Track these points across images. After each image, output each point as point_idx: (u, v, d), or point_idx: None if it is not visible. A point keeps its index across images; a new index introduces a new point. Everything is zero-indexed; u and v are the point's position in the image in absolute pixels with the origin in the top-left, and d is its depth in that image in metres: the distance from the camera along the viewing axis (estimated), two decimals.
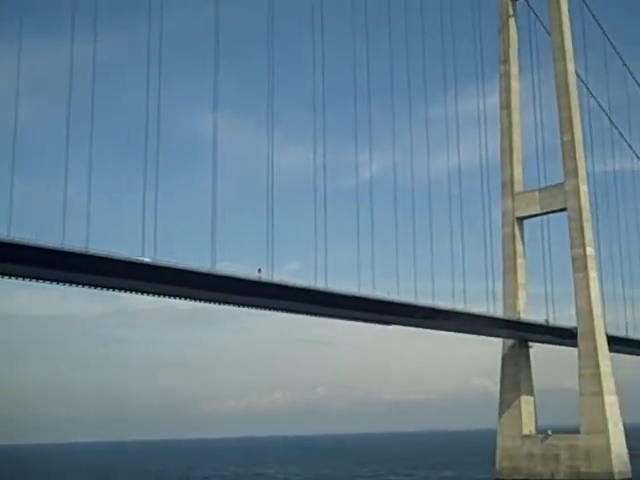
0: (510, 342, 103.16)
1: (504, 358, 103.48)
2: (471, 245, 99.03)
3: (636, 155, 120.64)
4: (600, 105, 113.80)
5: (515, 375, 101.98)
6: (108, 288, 66.32)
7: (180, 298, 72.24)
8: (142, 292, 68.70)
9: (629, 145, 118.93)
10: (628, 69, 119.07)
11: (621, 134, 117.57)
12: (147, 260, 63.35)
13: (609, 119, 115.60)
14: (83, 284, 64.86)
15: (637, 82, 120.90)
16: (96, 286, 65.46)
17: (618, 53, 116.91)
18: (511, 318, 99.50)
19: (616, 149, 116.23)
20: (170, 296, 71.70)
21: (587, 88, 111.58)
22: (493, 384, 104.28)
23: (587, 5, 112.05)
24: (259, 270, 71.97)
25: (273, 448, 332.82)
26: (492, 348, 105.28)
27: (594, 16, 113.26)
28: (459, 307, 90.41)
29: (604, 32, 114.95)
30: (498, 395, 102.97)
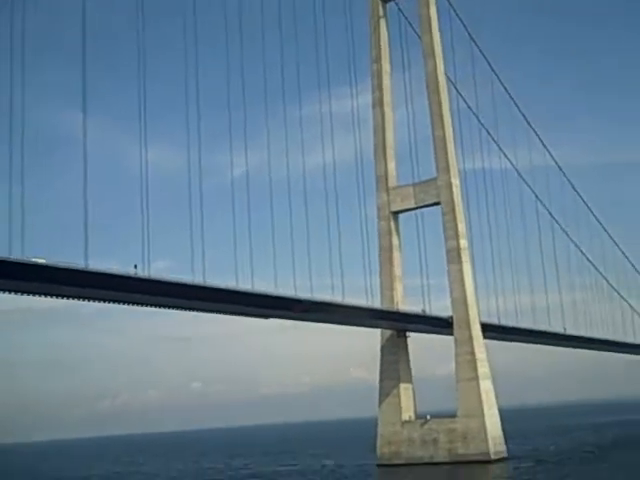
0: (388, 333, 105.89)
1: (383, 348, 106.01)
2: (349, 240, 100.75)
3: (504, 153, 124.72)
4: (468, 105, 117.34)
5: (394, 364, 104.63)
6: None
7: (52, 296, 71.25)
8: (8, 291, 66.98)
9: (497, 144, 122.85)
10: (494, 71, 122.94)
11: (489, 133, 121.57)
12: (13, 258, 62.04)
13: (477, 119, 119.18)
14: None
15: (502, 84, 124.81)
16: None
17: (484, 55, 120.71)
18: (389, 309, 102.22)
19: (485, 147, 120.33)
20: (41, 294, 70.42)
21: (456, 88, 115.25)
22: (372, 374, 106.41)
23: (454, 8, 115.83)
24: (135, 266, 71.69)
25: (151, 445, 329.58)
26: (371, 339, 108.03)
27: (460, 19, 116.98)
28: (337, 299, 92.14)
29: (470, 35, 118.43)
30: (378, 384, 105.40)
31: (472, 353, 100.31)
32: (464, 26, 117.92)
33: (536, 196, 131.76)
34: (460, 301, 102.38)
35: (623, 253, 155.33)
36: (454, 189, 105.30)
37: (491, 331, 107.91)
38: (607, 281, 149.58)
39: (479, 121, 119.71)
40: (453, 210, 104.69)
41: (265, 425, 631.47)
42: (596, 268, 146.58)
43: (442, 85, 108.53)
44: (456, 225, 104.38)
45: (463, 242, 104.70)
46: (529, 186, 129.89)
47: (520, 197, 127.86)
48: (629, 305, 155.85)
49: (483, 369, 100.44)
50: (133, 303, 78.16)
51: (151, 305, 79.29)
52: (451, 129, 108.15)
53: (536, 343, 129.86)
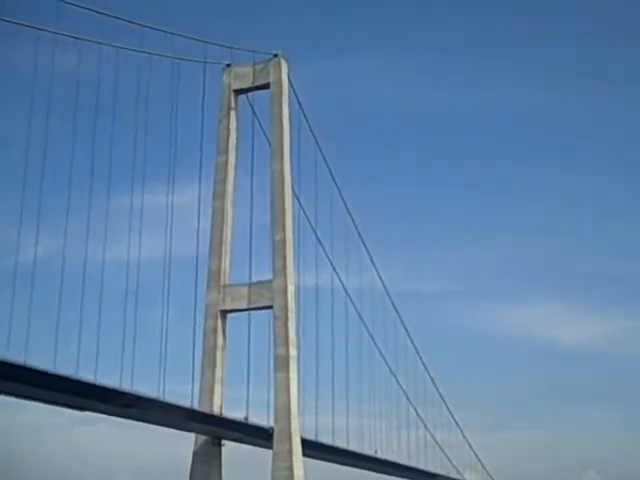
0: (203, 439, 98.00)
1: (195, 455, 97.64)
2: (178, 339, 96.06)
3: (335, 271, 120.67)
4: (307, 218, 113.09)
5: (205, 475, 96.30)
6: None
7: None
8: None
9: (330, 262, 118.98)
10: (336, 184, 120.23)
11: (323, 248, 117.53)
12: None
13: (315, 234, 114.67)
14: None
15: (342, 198, 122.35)
16: None
17: (328, 165, 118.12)
18: (209, 412, 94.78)
19: (321, 259, 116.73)
20: None
21: (298, 199, 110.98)
22: None
23: (305, 114, 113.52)
24: None
25: None
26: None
27: (310, 127, 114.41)
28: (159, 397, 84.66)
29: (317, 143, 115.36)
30: None
31: (290, 468, 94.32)
32: (312, 134, 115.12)
33: (359, 316, 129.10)
34: (283, 411, 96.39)
35: (434, 384, 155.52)
36: (289, 295, 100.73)
37: (309, 448, 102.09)
38: (416, 411, 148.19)
39: (316, 235, 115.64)
40: (285, 316, 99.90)
41: None
42: (408, 398, 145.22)
43: (287, 190, 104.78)
44: (287, 332, 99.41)
45: (292, 351, 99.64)
46: (355, 306, 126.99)
47: (346, 315, 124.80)
48: (432, 437, 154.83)
49: None
50: None
51: None
52: (291, 234, 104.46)
53: (350, 465, 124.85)
